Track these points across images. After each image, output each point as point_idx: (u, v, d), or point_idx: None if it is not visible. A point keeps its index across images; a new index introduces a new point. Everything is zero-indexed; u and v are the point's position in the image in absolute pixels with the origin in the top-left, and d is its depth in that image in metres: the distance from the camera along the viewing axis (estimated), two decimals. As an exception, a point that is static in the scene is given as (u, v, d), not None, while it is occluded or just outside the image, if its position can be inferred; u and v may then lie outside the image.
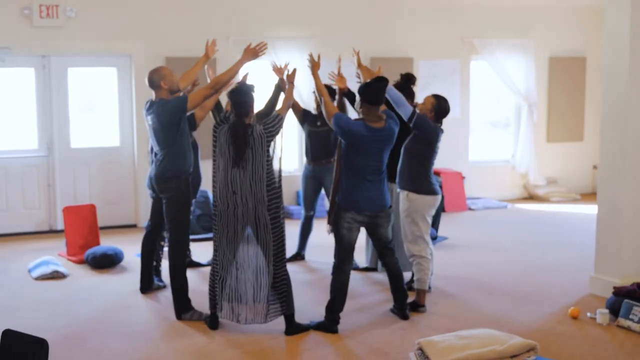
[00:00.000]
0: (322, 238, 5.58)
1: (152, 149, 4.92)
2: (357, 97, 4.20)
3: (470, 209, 8.32)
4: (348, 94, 5.20)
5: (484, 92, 9.01)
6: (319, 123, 5.69)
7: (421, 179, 4.56)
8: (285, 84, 4.75)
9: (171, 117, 4.46)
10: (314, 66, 4.57)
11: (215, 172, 4.16)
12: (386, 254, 4.37)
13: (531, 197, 9.03)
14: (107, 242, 6.41)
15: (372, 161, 4.15)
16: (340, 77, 5.26)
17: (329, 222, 4.31)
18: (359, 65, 4.75)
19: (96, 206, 6.46)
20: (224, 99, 4.84)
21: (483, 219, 7.87)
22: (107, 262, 5.77)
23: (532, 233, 7.15)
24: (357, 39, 7.82)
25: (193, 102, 4.41)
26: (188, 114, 4.54)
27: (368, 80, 4.22)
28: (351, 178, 4.15)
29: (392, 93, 4.42)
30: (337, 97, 5.51)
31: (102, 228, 6.91)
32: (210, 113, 5.50)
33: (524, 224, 7.61)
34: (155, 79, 4.57)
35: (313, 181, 5.78)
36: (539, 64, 8.83)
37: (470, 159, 8.82)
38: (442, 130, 4.61)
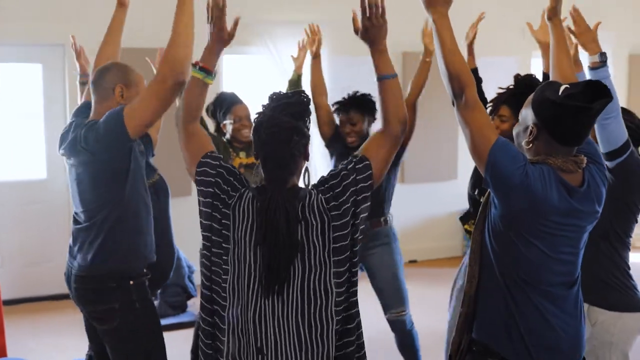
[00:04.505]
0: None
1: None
2: (529, 117, 1.90)
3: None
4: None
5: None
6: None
7: (619, 279, 2.43)
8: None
9: (107, 151, 2.25)
10: None
11: (222, 292, 1.88)
12: None
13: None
14: (24, 334, 4.17)
15: (561, 256, 1.90)
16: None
17: None
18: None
19: (11, 270, 4.45)
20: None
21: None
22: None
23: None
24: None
25: (135, 114, 2.16)
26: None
27: (566, 86, 1.85)
28: (512, 291, 1.90)
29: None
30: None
31: (20, 301, 4.84)
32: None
33: None
34: (107, 79, 2.39)
35: None
36: (616, 62, 6.84)
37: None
38: None
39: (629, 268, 2.47)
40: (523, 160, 1.84)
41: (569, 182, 1.86)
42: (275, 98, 1.87)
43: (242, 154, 3.39)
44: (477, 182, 3.04)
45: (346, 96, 3.45)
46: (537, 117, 1.86)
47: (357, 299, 1.88)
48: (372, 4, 1.88)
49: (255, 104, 3.48)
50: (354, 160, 1.88)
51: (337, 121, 3.43)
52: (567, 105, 1.80)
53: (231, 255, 1.82)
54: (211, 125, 3.54)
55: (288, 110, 1.83)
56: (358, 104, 3.41)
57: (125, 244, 2.35)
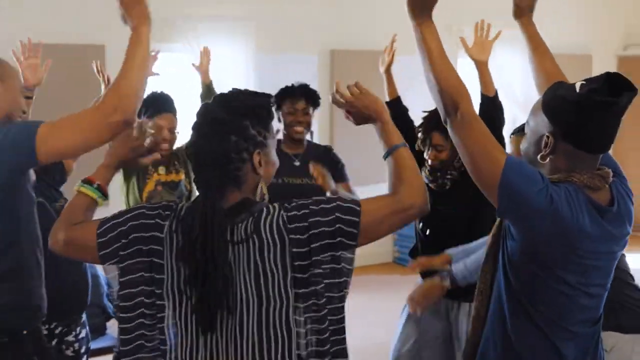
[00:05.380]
0: None
1: None
2: (542, 125, 1.61)
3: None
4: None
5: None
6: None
7: (631, 297, 2.25)
8: None
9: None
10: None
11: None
12: None
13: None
14: None
15: (591, 290, 1.65)
16: None
17: None
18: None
19: None
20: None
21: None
22: None
23: None
24: (309, 25, 5.62)
25: (56, 137, 1.72)
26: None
27: (582, 82, 1.58)
28: (529, 332, 1.65)
29: None
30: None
31: None
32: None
33: None
34: None
35: None
36: (539, 62, 6.88)
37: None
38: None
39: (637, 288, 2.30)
40: (543, 181, 1.54)
41: (601, 204, 1.58)
42: (229, 91, 1.58)
43: (161, 170, 3.02)
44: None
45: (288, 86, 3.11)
46: (554, 123, 1.56)
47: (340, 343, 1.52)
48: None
49: (178, 105, 3.19)
50: (341, 197, 1.57)
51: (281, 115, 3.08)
52: (592, 102, 1.50)
53: (166, 287, 1.51)
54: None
55: (232, 104, 1.52)
56: (307, 93, 3.10)
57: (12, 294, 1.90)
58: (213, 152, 1.49)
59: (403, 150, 1.61)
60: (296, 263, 1.47)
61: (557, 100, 1.57)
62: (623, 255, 2.27)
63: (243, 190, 1.53)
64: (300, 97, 3.07)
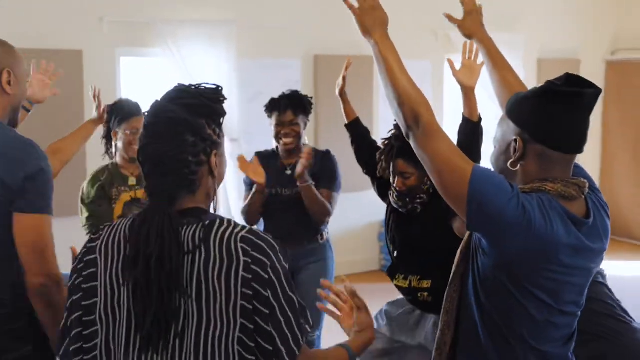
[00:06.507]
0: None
1: None
2: (509, 132, 1.56)
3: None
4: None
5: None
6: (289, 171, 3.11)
7: (601, 324, 2.14)
8: None
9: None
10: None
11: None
12: None
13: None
14: None
15: (564, 308, 1.55)
16: None
17: None
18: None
19: None
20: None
21: None
22: None
23: None
24: (296, 29, 5.53)
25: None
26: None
27: (542, 84, 1.53)
28: (502, 352, 1.55)
29: None
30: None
31: None
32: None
33: None
34: None
35: None
36: (526, 66, 6.78)
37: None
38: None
39: (621, 307, 2.19)
40: (513, 190, 1.45)
41: (576, 215, 1.49)
42: (177, 87, 1.42)
43: (131, 180, 2.91)
44: (392, 231, 2.64)
45: (278, 95, 3.16)
46: (521, 125, 1.50)
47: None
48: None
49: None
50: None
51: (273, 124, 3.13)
52: (556, 92, 1.45)
53: (101, 308, 1.36)
54: (100, 130, 3.11)
55: (185, 101, 1.38)
56: (294, 103, 3.10)
57: None
58: (169, 155, 1.35)
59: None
60: (245, 291, 1.29)
61: (520, 101, 1.53)
62: (604, 285, 2.20)
63: (197, 195, 1.40)
64: (285, 109, 3.08)
